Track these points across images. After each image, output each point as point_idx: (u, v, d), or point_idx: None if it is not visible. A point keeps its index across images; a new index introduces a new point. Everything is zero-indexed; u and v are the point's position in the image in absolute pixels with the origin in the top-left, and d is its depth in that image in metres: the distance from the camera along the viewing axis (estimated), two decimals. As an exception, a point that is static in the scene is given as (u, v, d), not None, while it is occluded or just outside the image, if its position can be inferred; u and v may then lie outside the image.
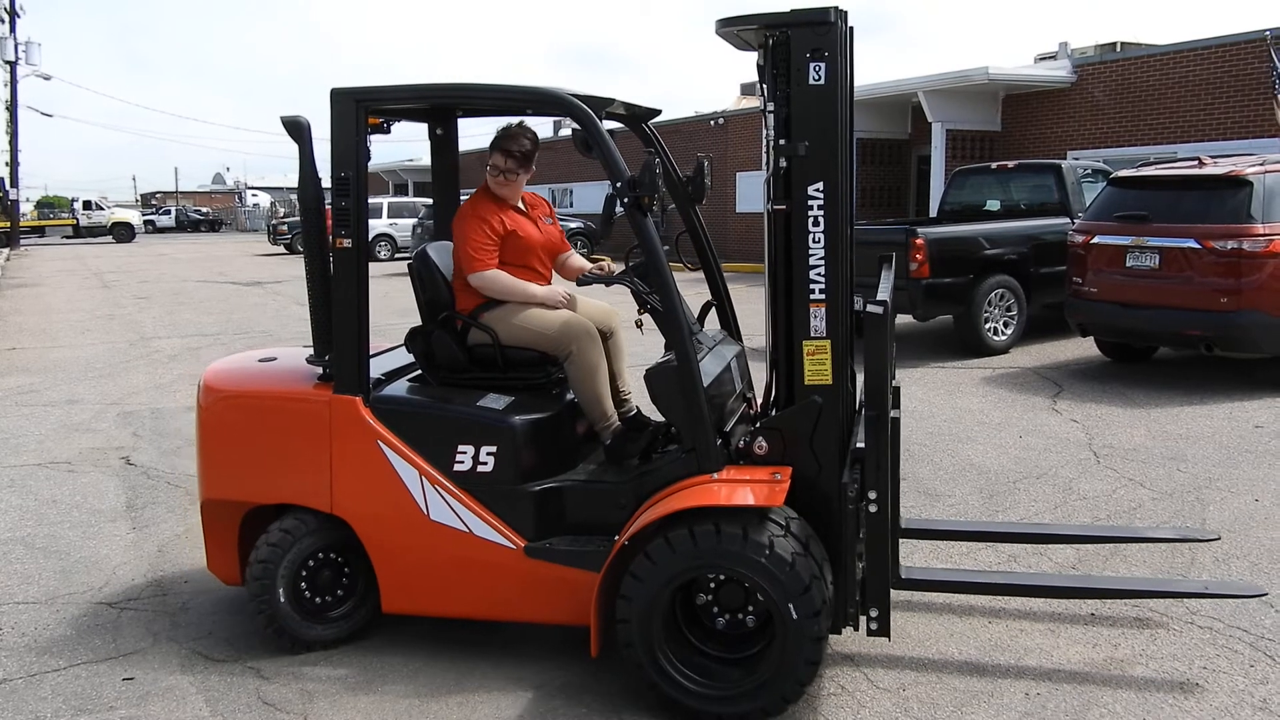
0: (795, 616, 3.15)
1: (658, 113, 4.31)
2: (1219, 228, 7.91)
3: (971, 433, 7.05)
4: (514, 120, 4.13)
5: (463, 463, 3.68)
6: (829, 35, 3.31)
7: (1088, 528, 4.94)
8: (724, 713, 3.27)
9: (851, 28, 3.61)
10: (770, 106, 3.41)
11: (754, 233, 23.37)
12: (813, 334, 3.41)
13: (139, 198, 59.49)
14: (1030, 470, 6.11)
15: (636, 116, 4.21)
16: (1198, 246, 7.97)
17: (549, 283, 4.11)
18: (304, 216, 3.84)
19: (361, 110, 3.65)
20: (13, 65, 41.13)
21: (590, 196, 30.14)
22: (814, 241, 3.38)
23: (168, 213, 59.83)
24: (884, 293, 3.64)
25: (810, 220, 3.37)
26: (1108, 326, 9.02)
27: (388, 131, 3.91)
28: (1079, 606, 4.12)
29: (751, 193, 23.93)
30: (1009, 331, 10.36)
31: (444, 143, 4.48)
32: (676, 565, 3.22)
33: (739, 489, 3.34)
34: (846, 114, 3.53)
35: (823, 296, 3.39)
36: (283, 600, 3.81)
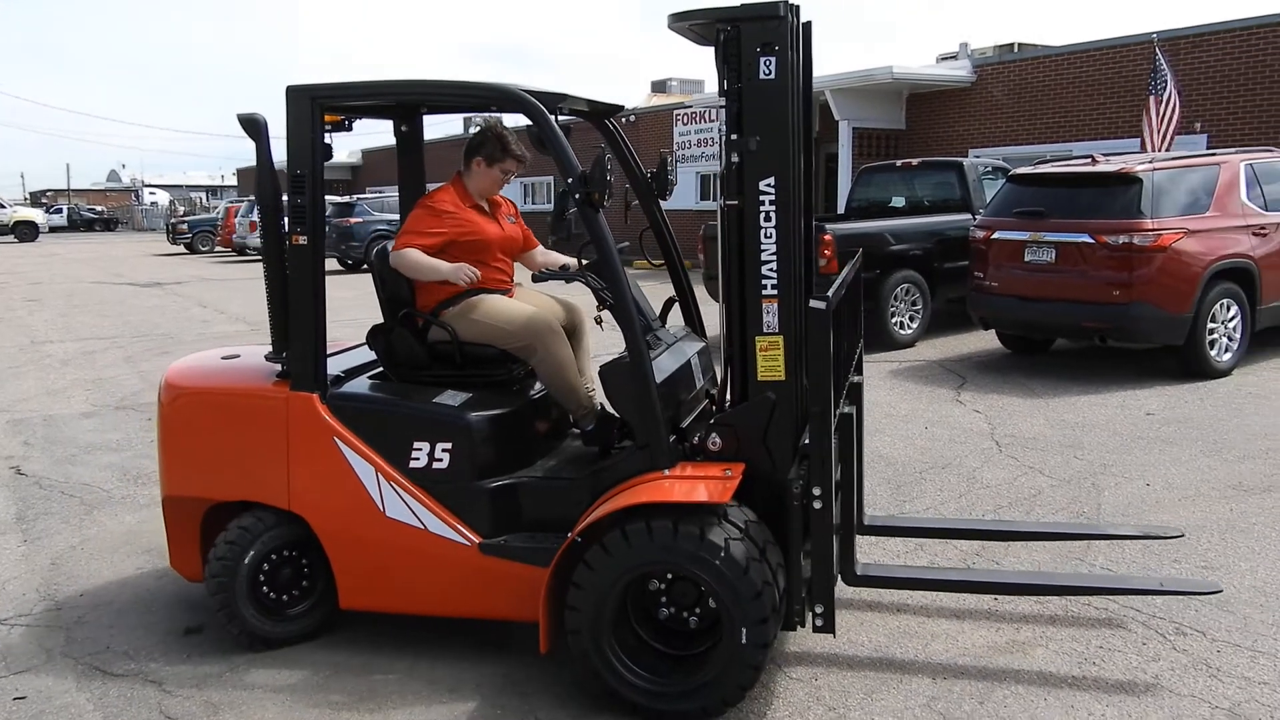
0: (744, 621, 3.14)
1: (620, 109, 4.33)
2: (1111, 223, 8.22)
3: (880, 425, 7.20)
4: (483, 119, 4.15)
5: (418, 459, 3.66)
6: (779, 29, 3.32)
7: (1055, 525, 4.94)
8: (665, 709, 3.28)
9: (808, 22, 3.63)
10: (723, 101, 3.42)
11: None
12: (765, 330, 3.41)
13: (28, 195, 57.05)
14: (936, 460, 6.27)
15: (599, 113, 4.24)
16: (1091, 241, 8.27)
17: (504, 279, 4.12)
18: (262, 214, 3.80)
19: (317, 107, 3.65)
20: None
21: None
22: (765, 237, 3.38)
23: (59, 211, 57.51)
24: (838, 288, 3.62)
25: (762, 215, 3.38)
26: (1008, 319, 9.29)
27: (349, 129, 3.90)
28: (980, 595, 4.23)
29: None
30: (915, 325, 10.61)
31: (409, 139, 4.45)
32: (631, 560, 3.22)
33: (688, 485, 3.34)
34: (800, 108, 3.54)
35: (775, 292, 3.40)
36: (242, 598, 3.76)
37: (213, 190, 70.05)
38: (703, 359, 4.17)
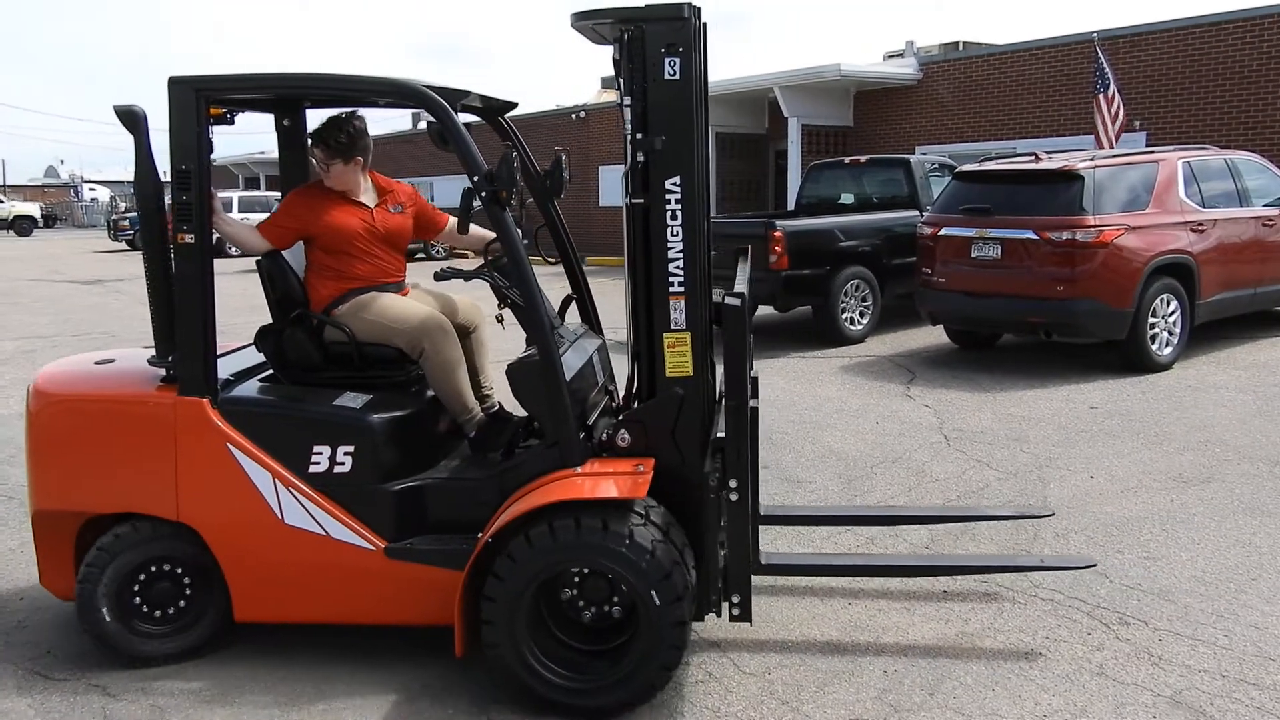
0: (658, 603, 3.18)
1: (514, 105, 4.28)
2: (1054, 220, 8.37)
3: (831, 420, 7.26)
4: (344, 111, 4.00)
5: (319, 464, 3.58)
6: (684, 30, 3.34)
7: (936, 509, 5.19)
8: (593, 705, 3.29)
9: (705, 23, 3.67)
10: (627, 101, 3.43)
11: (618, 226, 23.35)
12: (673, 326, 3.44)
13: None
14: (886, 455, 6.34)
15: (493, 109, 4.18)
16: (1035, 238, 8.41)
17: (388, 271, 4.01)
18: (142, 211, 3.66)
19: (202, 100, 3.51)
20: None
21: (452, 190, 29.71)
22: (672, 235, 3.41)
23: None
24: (741, 285, 3.70)
25: (668, 214, 3.40)
26: (955, 315, 9.42)
27: (231, 123, 3.77)
28: (933, 585, 4.30)
29: (614, 186, 23.99)
30: (865, 321, 10.72)
31: (292, 134, 4.31)
32: (538, 562, 3.22)
33: (602, 481, 3.35)
34: (702, 108, 3.57)
35: (682, 289, 3.43)
36: (108, 614, 3.64)
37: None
38: (602, 356, 4.20)
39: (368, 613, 3.66)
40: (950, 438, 6.70)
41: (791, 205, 14.55)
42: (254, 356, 4.06)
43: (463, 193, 3.48)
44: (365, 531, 3.56)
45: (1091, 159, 8.79)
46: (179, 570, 3.72)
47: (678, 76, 3.35)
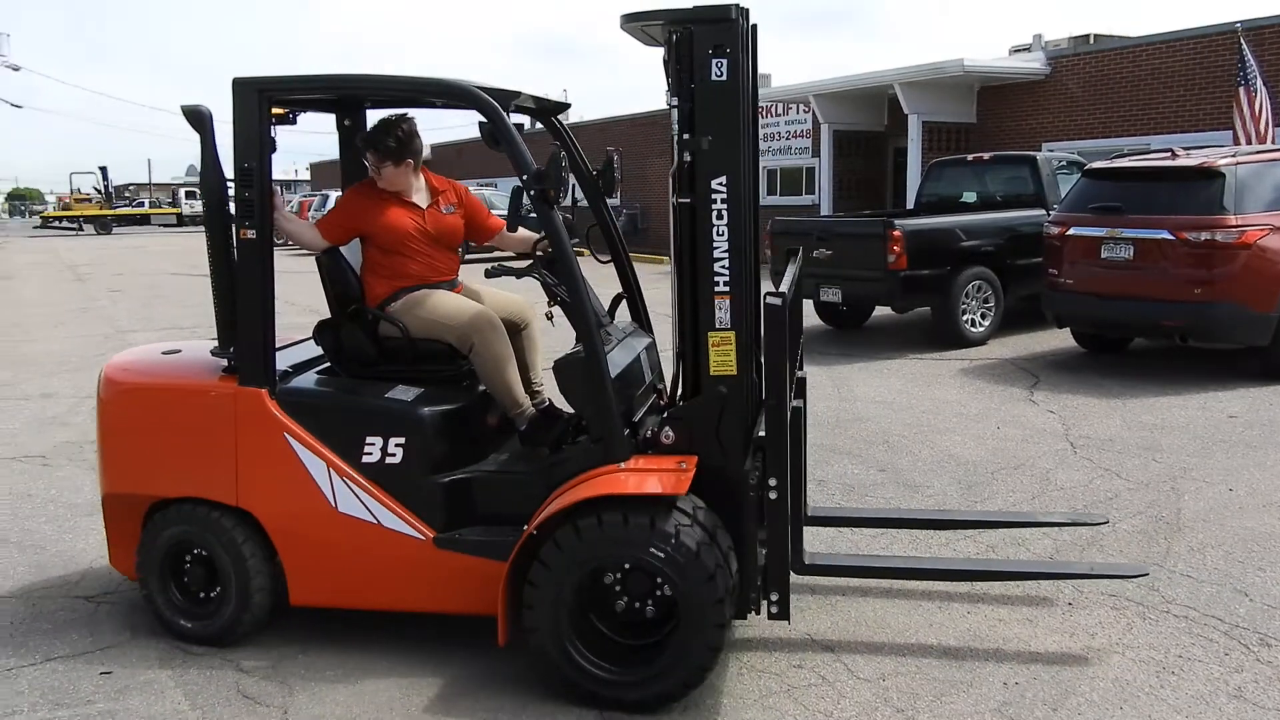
0: (698, 604, 3.22)
1: (567, 106, 4.39)
2: (1192, 219, 7.99)
3: (950, 424, 7.10)
4: (394, 114, 4.10)
5: (371, 454, 3.69)
6: (731, 32, 3.35)
7: (991, 514, 5.09)
8: (628, 697, 3.34)
9: (755, 25, 3.68)
10: (675, 102, 3.46)
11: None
12: (718, 325, 3.46)
13: (112, 190, 59.04)
14: (1008, 461, 6.16)
15: (546, 110, 4.27)
16: (1171, 238, 8.05)
17: (440, 270, 4.09)
18: (206, 208, 3.83)
19: (264, 100, 3.65)
20: (-20, 54, 40.54)
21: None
22: (717, 234, 3.43)
23: (141, 204, 59.15)
24: (787, 284, 3.67)
25: (714, 214, 3.42)
26: (1084, 317, 9.09)
27: (293, 122, 3.96)
28: (1058, 596, 4.16)
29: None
30: (986, 323, 10.43)
31: (352, 134, 4.40)
32: (585, 553, 3.27)
33: (645, 477, 3.38)
34: (748, 109, 3.58)
35: (727, 289, 3.44)
36: (160, 593, 3.90)
37: (286, 184, 71.49)
38: (650, 354, 4.22)
39: (416, 600, 3.75)
40: (1076, 445, 6.46)
41: (911, 204, 14.26)
42: (314, 349, 4.20)
43: (512, 191, 3.57)
44: (415, 521, 3.66)
45: (1234, 155, 8.36)
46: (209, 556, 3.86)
47: (724, 77, 3.37)
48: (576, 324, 3.52)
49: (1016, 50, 19.46)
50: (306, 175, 49.41)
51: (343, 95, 4.22)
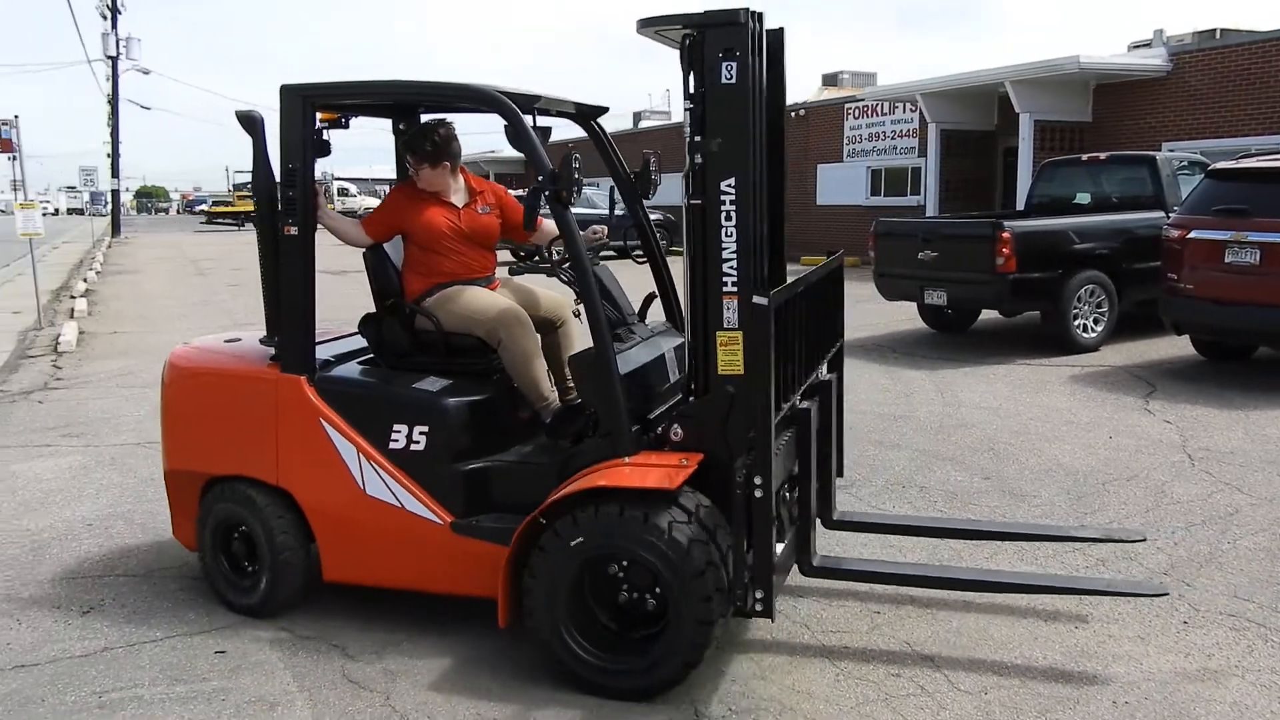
0: (686, 600, 3.27)
1: (605, 110, 4.54)
2: (1326, 223, 7.58)
3: (1059, 432, 6.88)
4: (434, 119, 4.29)
5: (397, 441, 3.87)
6: (739, 35, 3.38)
7: (1022, 525, 4.90)
8: (614, 686, 3.41)
9: (780, 29, 3.75)
10: (688, 105, 3.50)
11: (836, 225, 23.13)
12: (725, 325, 3.49)
13: (233, 187, 61.50)
14: (1120, 472, 5.95)
15: (583, 114, 4.45)
16: (1302, 243, 7.65)
17: (474, 267, 4.25)
18: (256, 205, 4.07)
19: (309, 105, 3.90)
20: (114, 60, 42.74)
21: (669, 188, 30.11)
22: (726, 235, 3.45)
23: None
24: (791, 285, 3.69)
25: (723, 215, 3.44)
26: (1204, 324, 8.72)
27: (345, 126, 4.17)
28: (1172, 614, 4.00)
29: (832, 185, 23.69)
30: (1099, 329, 10.08)
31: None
32: (580, 543, 3.36)
33: (645, 472, 3.44)
34: (760, 112, 3.61)
35: (735, 289, 3.46)
36: (212, 563, 4.23)
37: (382, 182, 73.38)
38: (679, 353, 4.22)
39: (435, 582, 3.90)
40: (1195, 457, 6.20)
41: (1021, 205, 13.87)
42: (360, 341, 4.43)
43: (528, 192, 3.71)
44: (435, 506, 3.81)
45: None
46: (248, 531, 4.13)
47: (734, 80, 3.39)
48: (589, 321, 3.64)
49: (1136, 46, 18.74)
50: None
51: (379, 100, 4.44)
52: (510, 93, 3.75)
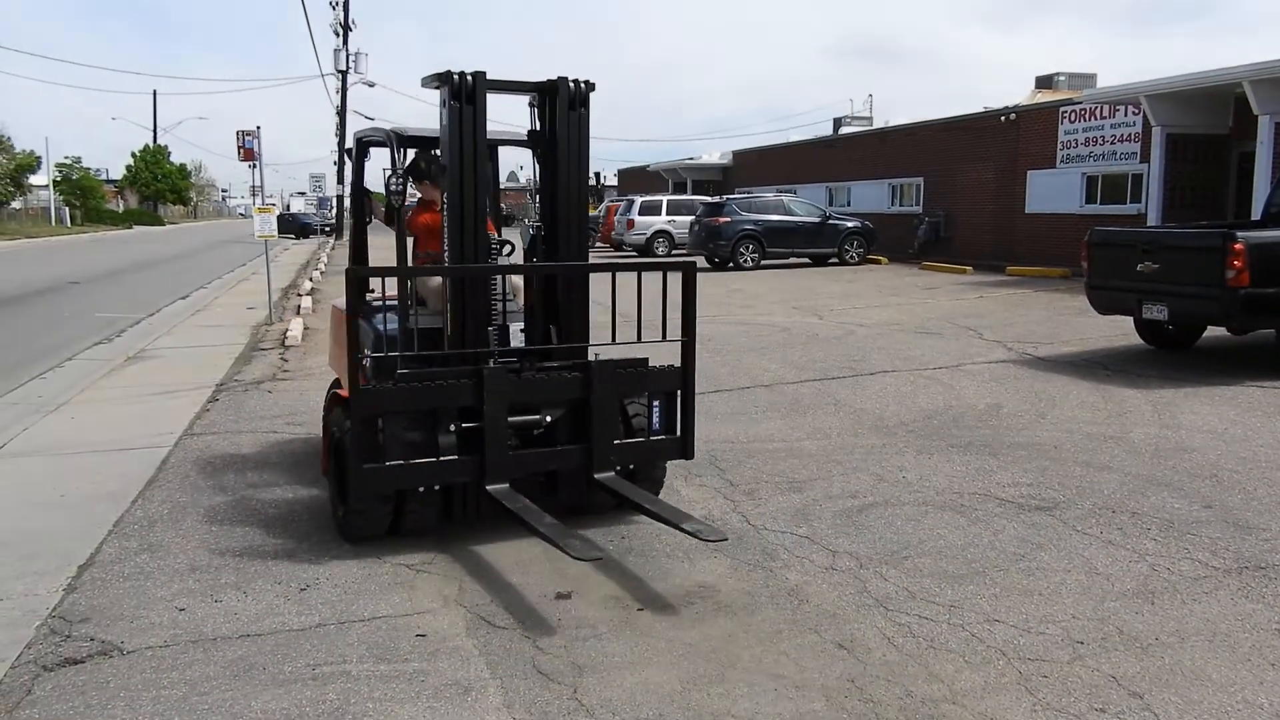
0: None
1: (534, 138, 5.48)
2: None
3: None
4: (419, 154, 5.93)
5: None
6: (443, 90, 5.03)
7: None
8: None
9: (481, 72, 5.03)
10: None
11: (1044, 233, 22.04)
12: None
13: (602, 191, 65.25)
14: (1367, 508, 5.39)
15: (527, 143, 5.50)
16: None
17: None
18: (353, 207, 6.38)
19: (362, 146, 6.09)
20: (344, 74, 45.95)
21: (868, 195, 29.57)
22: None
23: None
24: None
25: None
26: None
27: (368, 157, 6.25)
28: None
29: (1043, 192, 22.56)
30: (1346, 350, 9.17)
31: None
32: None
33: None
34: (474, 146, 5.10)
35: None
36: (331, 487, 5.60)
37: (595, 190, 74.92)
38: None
39: None
40: None
41: (1257, 214, 12.79)
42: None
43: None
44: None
45: None
46: None
47: (446, 122, 5.06)
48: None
49: (1400, 39, 16.90)
50: (614, 180, 51.83)
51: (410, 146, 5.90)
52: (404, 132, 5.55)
